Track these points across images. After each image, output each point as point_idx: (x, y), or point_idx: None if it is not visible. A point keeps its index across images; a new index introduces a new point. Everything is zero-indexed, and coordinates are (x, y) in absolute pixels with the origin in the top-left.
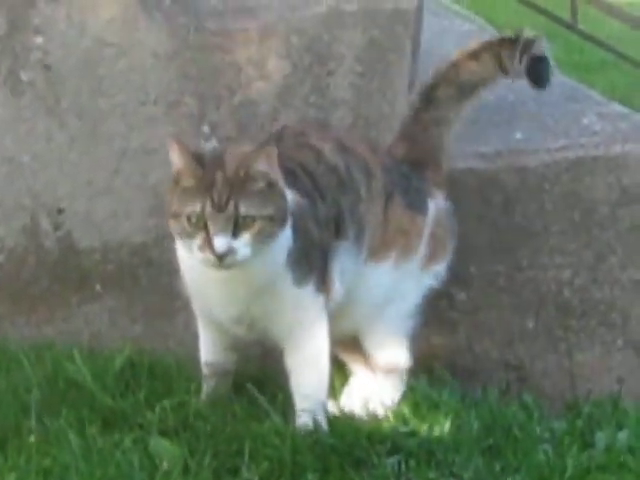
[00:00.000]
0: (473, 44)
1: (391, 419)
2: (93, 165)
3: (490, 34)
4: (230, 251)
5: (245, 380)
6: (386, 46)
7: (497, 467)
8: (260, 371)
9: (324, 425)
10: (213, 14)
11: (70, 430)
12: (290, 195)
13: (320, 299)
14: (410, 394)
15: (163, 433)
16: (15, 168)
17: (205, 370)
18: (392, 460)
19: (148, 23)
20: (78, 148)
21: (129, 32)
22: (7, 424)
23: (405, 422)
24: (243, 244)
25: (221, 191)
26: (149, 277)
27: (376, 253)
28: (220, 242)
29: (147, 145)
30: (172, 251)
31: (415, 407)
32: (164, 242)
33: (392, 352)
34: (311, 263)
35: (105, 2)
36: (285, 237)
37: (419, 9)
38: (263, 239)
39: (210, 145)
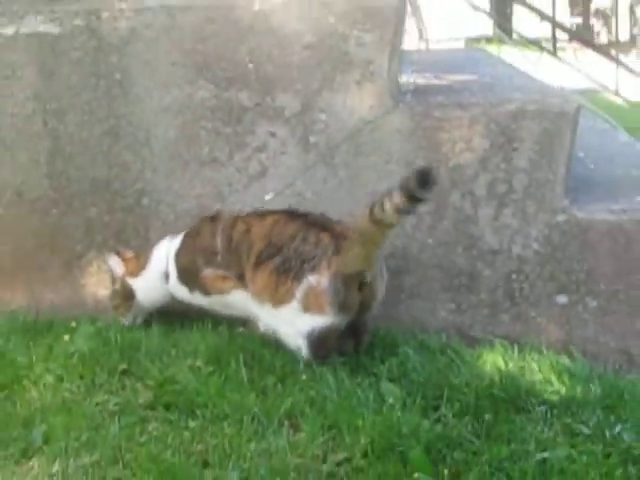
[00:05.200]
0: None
1: (544, 381)
2: (354, 202)
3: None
4: None
5: None
6: (553, 133)
7: (612, 419)
8: None
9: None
10: (439, 106)
11: None
12: None
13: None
14: (557, 367)
15: None
16: (301, 200)
17: None
18: (541, 408)
19: (395, 109)
20: (344, 190)
21: (383, 114)
22: None
23: (551, 384)
24: None
25: None
26: None
27: (258, 296)
28: None
29: None
30: None
31: (559, 375)
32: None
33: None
34: None
35: (368, 95)
36: None
37: (577, 111)
38: None
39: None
